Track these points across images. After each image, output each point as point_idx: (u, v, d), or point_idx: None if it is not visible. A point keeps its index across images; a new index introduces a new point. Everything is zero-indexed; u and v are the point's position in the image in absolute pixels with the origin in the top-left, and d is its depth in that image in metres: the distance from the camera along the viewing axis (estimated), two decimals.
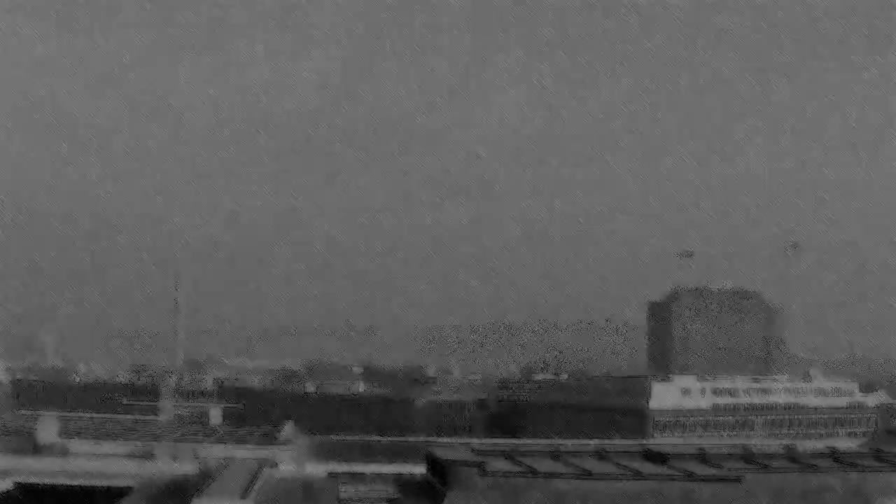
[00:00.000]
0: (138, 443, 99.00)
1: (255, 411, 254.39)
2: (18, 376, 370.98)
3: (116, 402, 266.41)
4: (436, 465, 44.89)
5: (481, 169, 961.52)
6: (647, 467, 44.84)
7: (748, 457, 47.84)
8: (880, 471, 45.32)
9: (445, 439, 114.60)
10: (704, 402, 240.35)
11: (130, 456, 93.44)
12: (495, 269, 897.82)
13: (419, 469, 61.84)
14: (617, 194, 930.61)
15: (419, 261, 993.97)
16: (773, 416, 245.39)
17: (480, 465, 41.81)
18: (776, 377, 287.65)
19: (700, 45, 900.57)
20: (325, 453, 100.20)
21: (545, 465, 45.04)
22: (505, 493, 41.08)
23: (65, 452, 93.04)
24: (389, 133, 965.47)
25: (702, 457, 47.49)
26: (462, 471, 41.52)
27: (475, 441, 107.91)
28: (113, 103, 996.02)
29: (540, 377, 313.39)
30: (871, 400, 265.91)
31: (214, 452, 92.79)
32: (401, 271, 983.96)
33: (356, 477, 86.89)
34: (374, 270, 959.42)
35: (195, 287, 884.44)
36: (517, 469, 43.77)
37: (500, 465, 44.46)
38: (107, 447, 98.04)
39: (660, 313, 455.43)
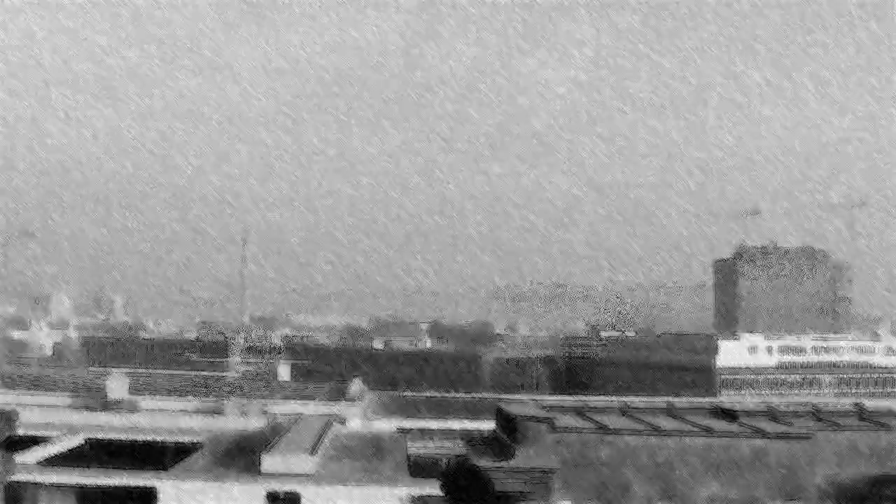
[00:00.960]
0: (207, 399, 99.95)
1: (323, 368, 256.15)
2: (88, 334, 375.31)
3: (185, 359, 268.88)
4: (505, 421, 44.70)
5: (543, 130, 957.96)
6: (718, 424, 44.45)
7: (817, 415, 47.33)
8: None
9: (513, 395, 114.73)
10: (771, 360, 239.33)
11: (199, 412, 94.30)
12: (560, 229, 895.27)
13: (486, 425, 61.97)
14: (684, 153, 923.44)
15: (484, 220, 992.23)
16: (840, 375, 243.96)
17: (550, 421, 41.68)
18: (844, 336, 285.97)
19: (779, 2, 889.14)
20: (393, 409, 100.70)
21: (615, 422, 44.74)
22: (575, 448, 40.94)
23: (134, 408, 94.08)
24: (449, 94, 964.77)
25: (771, 414, 47.05)
26: (532, 426, 41.36)
27: (544, 397, 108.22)
28: (183, 69, 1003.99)
29: (607, 334, 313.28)
30: None
31: (283, 408, 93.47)
32: (465, 230, 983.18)
33: (424, 433, 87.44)
34: (439, 229, 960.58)
35: (263, 244, 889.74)
36: (587, 425, 43.53)
37: (570, 420, 44.22)
38: (176, 403, 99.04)
39: (726, 271, 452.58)
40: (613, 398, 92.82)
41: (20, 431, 43.01)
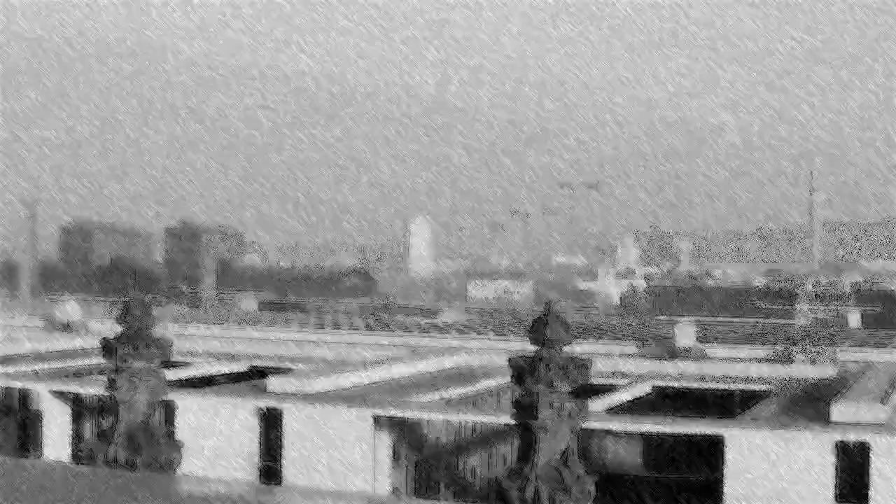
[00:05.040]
0: (775, 347, 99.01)
1: (894, 315, 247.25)
2: (654, 282, 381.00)
3: (752, 307, 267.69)
4: None
5: None
6: None
7: None
8: None
9: None
10: None
11: (767, 360, 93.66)
12: None
13: None
14: None
15: None
16: None
17: None
18: None
19: None
20: None
21: None
22: None
23: (702, 357, 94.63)
24: None
25: None
26: None
27: None
28: None
29: None
30: None
31: (852, 356, 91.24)
32: None
33: None
34: None
35: (834, 182, 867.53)
36: None
37: None
38: (743, 351, 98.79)
39: None
40: None
41: (592, 381, 44.35)
